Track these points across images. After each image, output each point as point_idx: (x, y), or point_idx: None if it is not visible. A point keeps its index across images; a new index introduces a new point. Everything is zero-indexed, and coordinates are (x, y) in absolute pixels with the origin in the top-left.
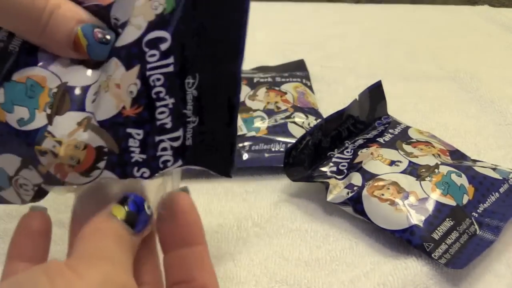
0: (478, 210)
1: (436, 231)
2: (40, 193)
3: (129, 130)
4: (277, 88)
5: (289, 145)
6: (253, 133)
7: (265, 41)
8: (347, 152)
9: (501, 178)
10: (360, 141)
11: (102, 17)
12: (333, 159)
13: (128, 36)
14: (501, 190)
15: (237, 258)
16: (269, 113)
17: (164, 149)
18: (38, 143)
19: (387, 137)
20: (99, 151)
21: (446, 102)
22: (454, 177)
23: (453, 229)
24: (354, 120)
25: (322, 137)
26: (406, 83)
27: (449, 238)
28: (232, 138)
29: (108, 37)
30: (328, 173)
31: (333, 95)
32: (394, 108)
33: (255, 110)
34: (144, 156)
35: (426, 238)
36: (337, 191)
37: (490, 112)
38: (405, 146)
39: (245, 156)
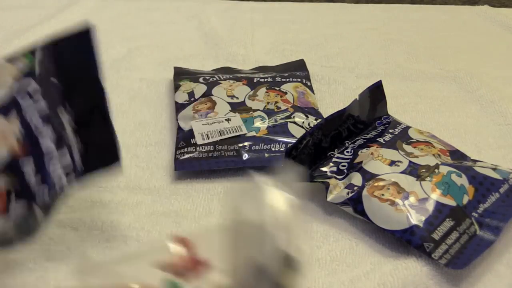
0: (478, 210)
1: (436, 231)
2: None
3: (25, 169)
4: (277, 88)
5: (289, 145)
6: (253, 133)
7: (265, 41)
8: (347, 152)
9: (501, 178)
10: (360, 141)
11: None
12: (333, 159)
13: None
14: (501, 190)
15: None
16: (269, 113)
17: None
18: None
19: (387, 137)
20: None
21: (446, 102)
22: (454, 177)
23: (453, 229)
24: (354, 120)
25: (322, 137)
26: (406, 83)
27: (449, 239)
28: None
29: None
30: (328, 173)
31: (333, 95)
32: (394, 108)
33: (255, 110)
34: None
35: (426, 239)
36: (337, 191)
37: (490, 112)
38: (405, 146)
39: (245, 156)
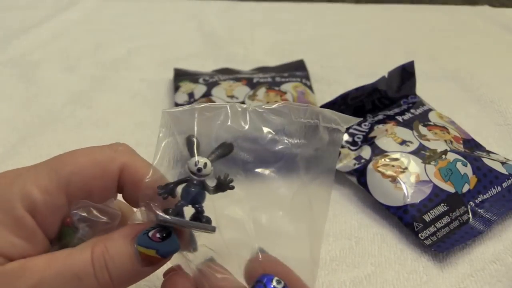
0: (476, 200)
1: (429, 213)
2: None
3: None
4: (276, 88)
5: None
6: None
7: (265, 41)
8: (365, 125)
9: (507, 173)
10: (380, 117)
11: None
12: (350, 130)
13: None
14: (504, 185)
15: None
16: None
17: None
18: None
19: (407, 116)
20: None
21: (446, 102)
22: (459, 165)
23: (445, 214)
24: (381, 95)
25: (344, 107)
26: None
27: (440, 222)
28: None
29: (166, 230)
30: (343, 143)
31: (333, 95)
32: None
33: None
34: None
35: (417, 219)
36: (347, 160)
37: (490, 112)
38: (421, 128)
39: None
